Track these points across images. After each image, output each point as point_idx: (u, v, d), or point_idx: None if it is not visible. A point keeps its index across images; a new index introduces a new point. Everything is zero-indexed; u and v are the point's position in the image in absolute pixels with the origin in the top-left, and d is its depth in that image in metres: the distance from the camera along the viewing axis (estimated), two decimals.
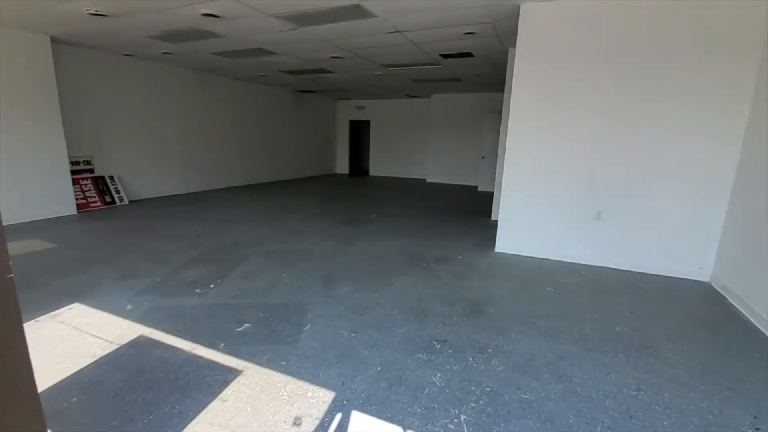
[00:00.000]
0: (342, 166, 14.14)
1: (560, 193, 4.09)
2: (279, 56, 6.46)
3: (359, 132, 15.20)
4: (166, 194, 7.90)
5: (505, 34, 4.90)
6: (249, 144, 9.94)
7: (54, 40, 5.64)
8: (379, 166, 13.40)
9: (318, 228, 5.51)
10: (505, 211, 4.37)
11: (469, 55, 6.14)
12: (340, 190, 9.48)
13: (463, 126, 11.16)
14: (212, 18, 4.47)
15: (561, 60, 3.85)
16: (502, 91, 10.05)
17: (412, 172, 12.87)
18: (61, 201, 5.87)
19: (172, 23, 4.74)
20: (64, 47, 5.98)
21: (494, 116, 9.64)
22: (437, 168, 11.76)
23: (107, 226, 5.34)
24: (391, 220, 6.13)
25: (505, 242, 4.44)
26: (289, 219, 6.05)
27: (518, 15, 4.06)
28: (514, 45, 5.38)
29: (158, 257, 4.04)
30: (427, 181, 11.96)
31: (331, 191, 9.30)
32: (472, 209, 7.35)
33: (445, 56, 6.24)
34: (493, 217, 6.42)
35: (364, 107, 13.23)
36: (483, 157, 9.90)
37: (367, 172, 14.12)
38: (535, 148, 4.11)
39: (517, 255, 4.36)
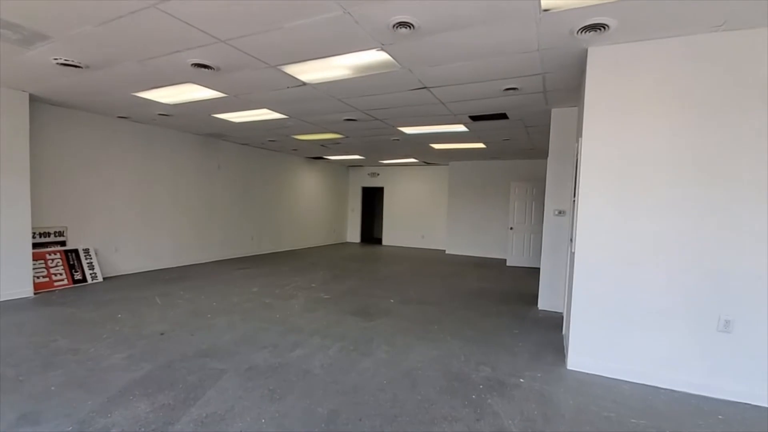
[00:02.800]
0: (353, 235, 13.17)
1: (660, 290, 2.90)
2: (287, 120, 5.79)
3: (372, 199, 14.48)
4: (152, 269, 6.87)
5: (555, 89, 4.09)
6: (253, 213, 9.10)
7: (34, 99, 5.04)
8: (392, 235, 12.40)
9: (321, 322, 4.31)
10: (578, 315, 3.16)
11: (502, 116, 5.35)
12: (350, 265, 8.36)
13: (485, 194, 10.27)
14: (205, 70, 3.76)
15: (649, 112, 2.91)
16: (531, 158, 9.41)
17: (430, 243, 11.79)
18: (15, 280, 4.84)
19: (160, 76, 4.06)
20: (46, 106, 5.37)
21: (521, 184, 8.74)
22: (458, 239, 10.68)
23: (55, 317, 4.22)
24: (414, 310, 4.91)
25: (582, 356, 3.16)
26: (285, 306, 4.88)
27: (580, 62, 3.23)
28: (560, 103, 4.56)
29: (92, 377, 2.86)
30: (447, 252, 10.83)
31: (341, 265, 8.18)
32: (511, 292, 6.10)
33: (474, 118, 5.46)
34: (541, 306, 5.15)
35: (378, 174, 12.59)
36: (511, 228, 8.83)
37: (379, 241, 13.10)
38: (618, 226, 3.01)
39: (603, 377, 3.06)
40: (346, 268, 7.84)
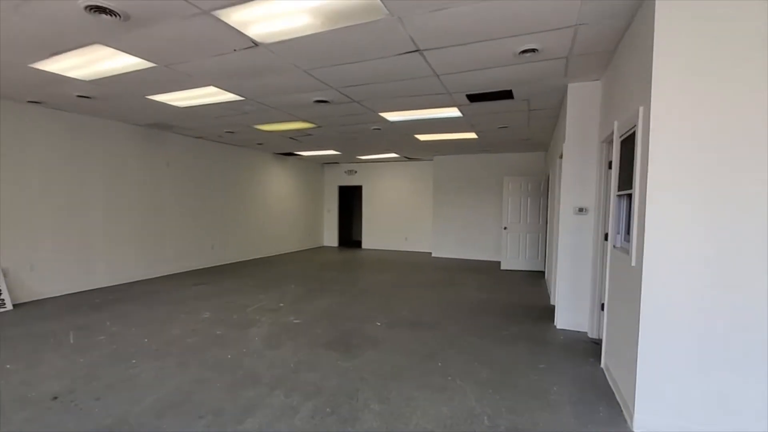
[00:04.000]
0: (330, 238, 12.07)
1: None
2: (244, 103, 4.67)
3: (350, 199, 13.43)
4: (82, 289, 5.60)
5: (584, 51, 3.18)
6: (213, 217, 7.89)
7: None
8: (373, 237, 11.38)
9: (287, 364, 3.26)
10: (649, 357, 2.22)
11: (506, 96, 4.43)
12: (326, 275, 7.29)
13: (474, 191, 9.41)
14: (109, 18, 2.64)
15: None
16: (526, 150, 8.53)
17: (415, 245, 10.84)
18: None
19: (54, 34, 2.90)
20: None
21: (516, 179, 7.90)
22: (445, 241, 9.78)
23: None
24: (408, 337, 3.92)
25: (656, 415, 2.25)
26: (242, 339, 3.80)
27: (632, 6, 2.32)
28: (582, 74, 3.67)
29: None
30: (433, 255, 9.91)
31: (316, 276, 7.10)
32: (517, 305, 5.20)
33: (473, 98, 4.52)
34: (560, 324, 4.26)
35: (355, 171, 11.54)
36: (505, 228, 7.98)
37: (359, 244, 12.06)
38: (711, 235, 2.10)
39: None
40: (321, 280, 6.76)
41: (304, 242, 11.11)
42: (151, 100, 4.71)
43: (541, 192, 7.73)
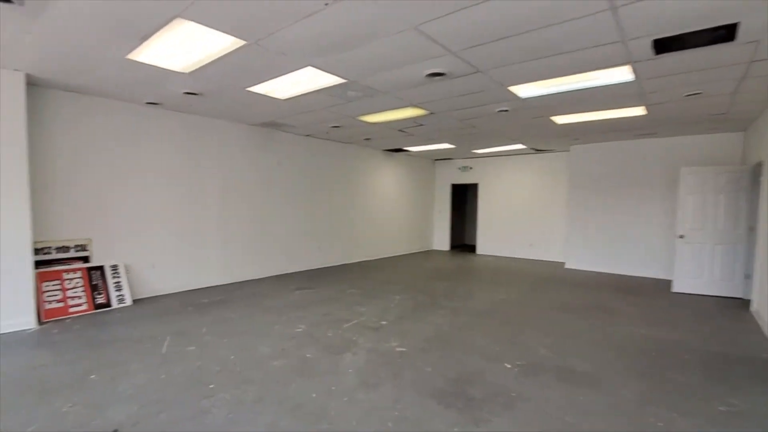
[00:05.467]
0: (441, 241, 11.06)
1: None
2: (347, 87, 3.99)
3: (463, 198, 12.23)
4: (195, 287, 5.68)
5: None
6: (320, 217, 7.61)
7: (34, 81, 4.00)
8: (490, 242, 9.99)
9: (384, 418, 2.37)
10: None
11: (723, 37, 2.83)
12: (437, 285, 6.30)
13: (629, 188, 7.35)
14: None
15: None
16: (714, 130, 6.05)
17: (542, 253, 9.14)
18: (13, 308, 3.83)
19: (138, 17, 2.53)
20: (53, 92, 4.35)
21: (700, 171, 5.76)
22: (583, 249, 7.90)
23: (16, 368, 2.97)
24: (557, 399, 2.70)
25: None
26: (333, 370, 3.05)
27: None
28: None
29: None
30: (567, 267, 8.11)
31: (425, 286, 6.18)
32: (720, 352, 3.45)
33: (662, 44, 3.01)
34: None
35: (471, 167, 10.30)
36: (681, 237, 5.90)
37: (472, 248, 10.79)
38: None
39: None
40: (431, 291, 5.80)
41: (412, 245, 10.33)
42: (253, 92, 4.36)
43: (743, 187, 5.46)
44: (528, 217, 9.34)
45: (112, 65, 3.59)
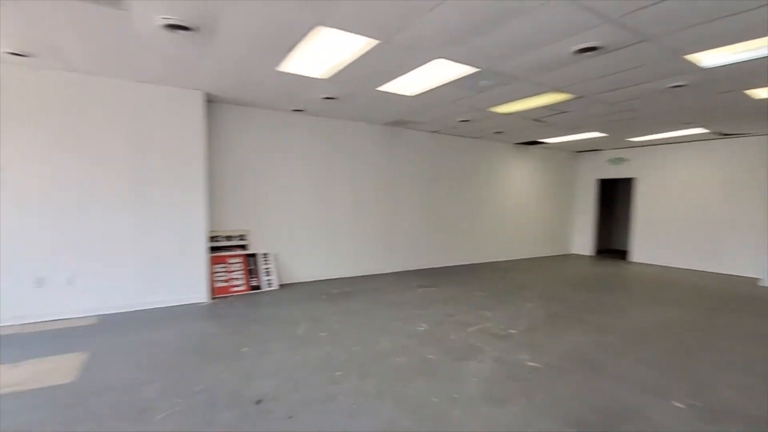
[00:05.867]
0: (582, 245, 9.74)
1: None
2: (479, 77, 3.75)
3: (611, 195, 10.57)
4: (328, 277, 6.15)
5: None
6: (446, 215, 7.46)
7: (210, 98, 4.82)
8: (648, 248, 8.36)
9: None
10: None
11: None
12: (577, 296, 5.51)
13: None
14: None
15: None
16: None
17: (726, 265, 7.23)
18: (191, 285, 4.72)
19: (281, 31, 2.79)
20: (222, 106, 5.17)
21: None
22: None
23: (189, 338, 3.62)
24: None
25: None
26: (456, 376, 2.87)
27: None
28: None
29: None
30: (763, 284, 6.22)
31: (561, 295, 5.47)
32: None
33: None
34: None
35: (625, 159, 8.77)
36: None
37: (622, 254, 9.20)
38: None
39: None
40: (569, 302, 5.10)
41: (547, 247, 9.35)
42: (383, 92, 4.46)
43: None
44: (704, 218, 7.49)
45: (266, 78, 4.08)
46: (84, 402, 2.50)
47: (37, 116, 3.87)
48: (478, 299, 5.09)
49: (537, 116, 5.57)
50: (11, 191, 3.81)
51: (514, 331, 3.89)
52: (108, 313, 4.24)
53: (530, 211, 8.90)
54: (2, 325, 3.81)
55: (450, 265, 7.57)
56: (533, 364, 3.15)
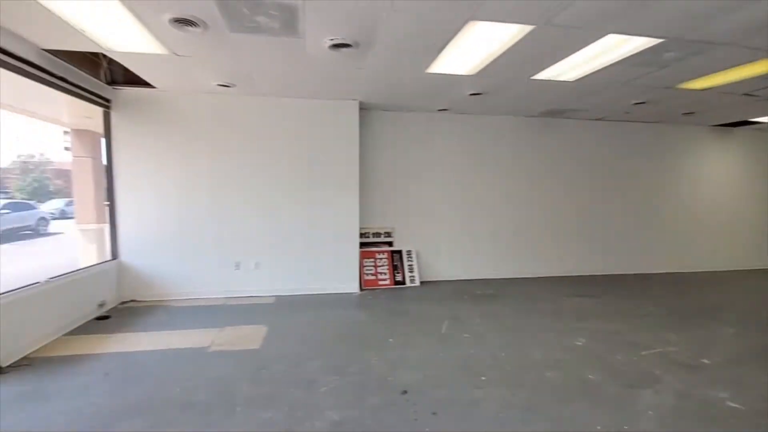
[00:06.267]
0: None
1: None
2: (663, 48, 3.11)
3: None
4: (470, 277, 6.01)
5: None
6: (609, 214, 6.46)
7: (362, 106, 5.22)
8: None
9: None
10: None
11: None
12: None
13: None
14: None
15: None
16: None
17: None
18: (344, 277, 5.23)
19: (437, 30, 2.83)
20: (372, 111, 5.53)
21: None
22: None
23: (344, 322, 4.00)
24: None
25: None
26: (627, 406, 2.43)
27: None
28: None
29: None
30: None
31: None
32: None
33: None
34: None
35: None
36: None
37: None
38: None
39: None
40: None
41: (754, 258, 7.19)
42: (538, 80, 4.11)
43: None
44: None
45: (415, 81, 4.18)
46: (267, 366, 3.01)
47: (237, 131, 4.86)
48: (653, 317, 4.24)
49: (749, 89, 4.32)
50: (221, 195, 4.87)
51: (707, 361, 3.11)
52: (282, 294, 5.04)
53: (730, 211, 6.99)
54: (214, 297, 4.90)
55: (609, 273, 6.52)
56: (734, 405, 2.45)
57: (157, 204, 4.77)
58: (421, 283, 5.67)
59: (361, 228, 5.38)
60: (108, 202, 4.75)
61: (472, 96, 4.76)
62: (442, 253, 5.92)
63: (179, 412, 2.40)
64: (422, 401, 2.50)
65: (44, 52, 3.36)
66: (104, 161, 4.80)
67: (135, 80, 4.26)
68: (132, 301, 4.73)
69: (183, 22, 2.70)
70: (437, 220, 5.88)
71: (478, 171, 5.96)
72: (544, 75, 3.96)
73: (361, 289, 5.32)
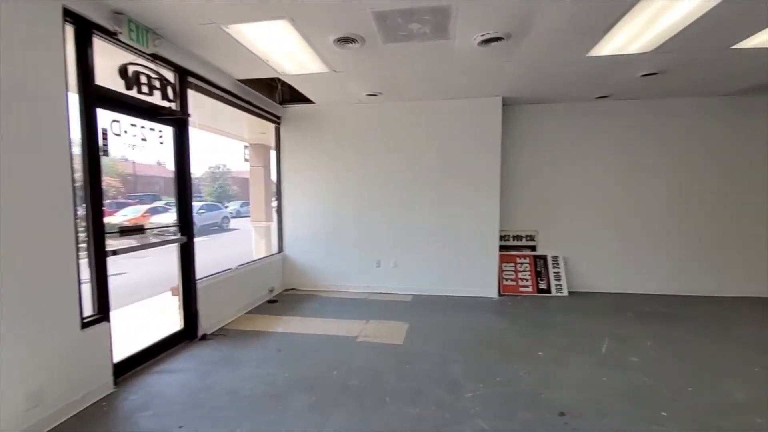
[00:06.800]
0: None
1: None
2: None
3: None
4: (630, 291, 5.14)
5: None
6: None
7: (504, 102, 4.96)
8: None
9: None
10: None
11: None
12: None
13: None
14: None
15: None
16: None
17: None
18: (482, 280, 5.05)
19: None
20: (515, 107, 5.19)
21: None
22: None
23: (485, 325, 3.83)
24: None
25: None
26: None
27: None
28: None
29: None
30: None
31: None
32: None
33: None
34: None
35: None
36: None
37: None
38: None
39: None
40: None
41: None
42: (741, 49, 3.29)
43: None
44: None
45: (573, 67, 3.78)
46: (411, 362, 3.09)
47: (379, 137, 5.16)
48: None
49: None
50: (365, 197, 5.24)
51: None
52: (419, 293, 5.14)
53: None
54: (357, 291, 5.30)
55: None
56: None
57: (312, 205, 5.40)
58: (570, 293, 5.11)
59: (500, 230, 5.13)
60: (276, 204, 5.59)
61: (644, 77, 4.08)
62: (595, 260, 5.23)
63: (338, 393, 2.63)
64: (585, 428, 2.22)
65: (237, 81, 4.12)
66: (273, 169, 5.67)
67: (298, 98, 4.90)
68: (293, 289, 5.46)
69: (344, 40, 2.98)
70: (589, 224, 5.22)
71: (643, 166, 5.08)
72: (754, 41, 3.14)
73: (500, 295, 5.07)
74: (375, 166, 5.21)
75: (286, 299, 5.00)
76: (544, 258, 5.29)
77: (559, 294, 5.08)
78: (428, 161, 5.07)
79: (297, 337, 3.68)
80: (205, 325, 3.69)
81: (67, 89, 2.33)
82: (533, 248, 5.38)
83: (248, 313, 4.43)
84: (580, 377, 2.83)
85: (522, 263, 5.30)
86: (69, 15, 2.34)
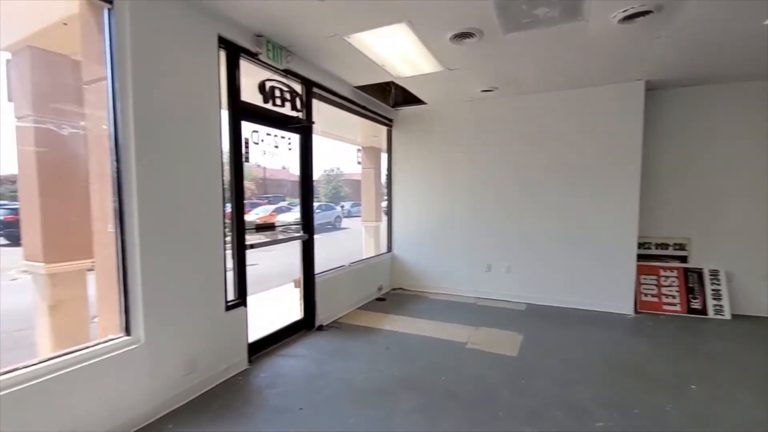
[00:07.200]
0: None
1: None
2: None
3: None
4: None
5: None
6: None
7: (648, 86, 4.24)
8: None
9: None
10: None
11: None
12: None
13: None
14: None
15: None
16: None
17: None
18: (614, 294, 4.40)
19: None
20: (659, 92, 4.39)
21: None
22: None
23: (617, 347, 3.31)
24: None
25: None
26: None
27: None
28: None
29: None
30: None
31: None
32: None
33: None
34: None
35: None
36: None
37: None
38: None
39: None
40: None
41: None
42: None
43: None
44: None
45: (746, 39, 3.05)
46: (526, 377, 2.84)
47: (492, 135, 4.90)
48: None
49: None
50: (476, 198, 5.04)
51: None
52: (534, 303, 4.74)
53: None
54: (465, 295, 5.13)
55: None
56: None
57: (421, 206, 5.40)
58: (733, 316, 4.14)
59: (639, 237, 4.41)
60: (386, 205, 5.75)
61: None
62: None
63: (447, 400, 2.55)
64: None
65: (354, 88, 4.34)
66: (383, 171, 5.84)
67: (410, 100, 4.95)
68: (400, 288, 5.54)
69: (461, 36, 2.89)
70: (762, 232, 4.16)
71: None
72: None
73: (636, 312, 4.37)
74: (487, 165, 4.97)
75: (393, 298, 5.10)
76: (698, 272, 4.39)
77: (719, 316, 4.15)
78: (549, 159, 4.63)
79: (404, 337, 3.70)
80: (321, 317, 3.97)
81: (220, 107, 2.73)
82: (683, 259, 4.51)
83: (359, 308, 4.63)
84: (746, 420, 2.24)
85: (668, 276, 4.48)
86: (222, 42, 2.73)
